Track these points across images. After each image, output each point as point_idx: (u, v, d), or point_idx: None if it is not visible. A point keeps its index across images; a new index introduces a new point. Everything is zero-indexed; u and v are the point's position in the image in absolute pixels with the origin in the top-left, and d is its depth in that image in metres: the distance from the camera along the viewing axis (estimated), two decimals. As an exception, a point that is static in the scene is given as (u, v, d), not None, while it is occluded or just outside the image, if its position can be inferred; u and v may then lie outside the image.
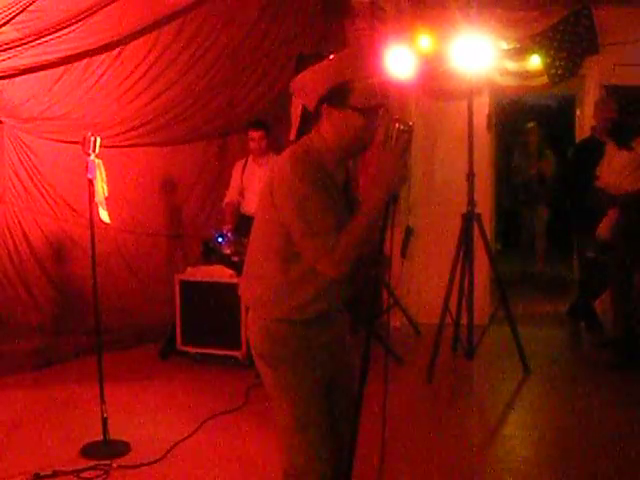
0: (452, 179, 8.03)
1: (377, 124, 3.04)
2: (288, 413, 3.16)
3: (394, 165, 2.95)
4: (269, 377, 3.20)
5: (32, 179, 7.42)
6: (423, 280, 8.48)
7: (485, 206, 7.63)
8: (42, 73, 7.00)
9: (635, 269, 7.01)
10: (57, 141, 7.45)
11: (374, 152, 3.03)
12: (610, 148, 7.06)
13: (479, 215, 7.06)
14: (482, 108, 8.22)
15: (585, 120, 8.54)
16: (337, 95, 3.00)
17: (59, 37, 6.69)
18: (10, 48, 6.51)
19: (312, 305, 3.11)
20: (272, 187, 3.03)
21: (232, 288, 6.96)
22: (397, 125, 2.94)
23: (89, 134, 5.15)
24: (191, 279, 7.22)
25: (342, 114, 3.02)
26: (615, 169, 6.93)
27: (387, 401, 3.28)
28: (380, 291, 7.54)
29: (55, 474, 4.73)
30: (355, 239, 2.94)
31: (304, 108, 7.40)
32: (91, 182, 5.15)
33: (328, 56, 3.16)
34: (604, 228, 7.00)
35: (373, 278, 3.22)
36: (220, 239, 7.29)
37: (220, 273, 7.10)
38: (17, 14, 6.21)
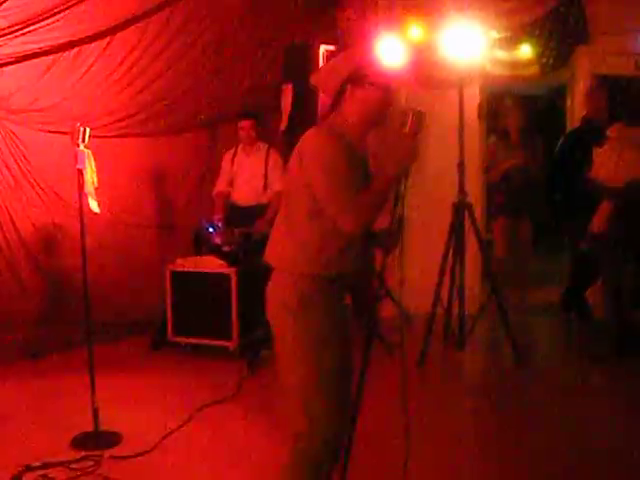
0: (443, 169, 8.00)
1: (391, 100, 3.55)
2: (310, 367, 3.42)
3: (408, 143, 3.41)
4: (294, 330, 3.45)
5: (21, 170, 7.37)
6: (414, 270, 8.44)
7: (476, 196, 7.63)
8: (30, 63, 6.96)
9: (627, 261, 7.02)
10: (47, 132, 7.41)
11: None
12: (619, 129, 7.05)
13: (470, 204, 7.06)
14: (473, 97, 8.22)
15: (576, 110, 8.53)
16: (357, 76, 3.49)
17: (47, 25, 6.65)
18: (-3, 36, 6.47)
19: (336, 262, 3.46)
20: (300, 155, 3.44)
21: (223, 278, 6.98)
22: (411, 111, 3.43)
23: (78, 125, 5.13)
24: (182, 269, 7.21)
25: (363, 90, 3.49)
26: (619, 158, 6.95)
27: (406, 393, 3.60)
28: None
29: (46, 465, 4.71)
30: (370, 201, 3.37)
31: (294, 98, 7.43)
32: (80, 172, 5.13)
33: (318, 46, 3.63)
34: (598, 221, 6.98)
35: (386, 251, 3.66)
36: (211, 229, 7.28)
37: (211, 263, 7.09)
38: (3, 2, 6.17)
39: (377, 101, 3.50)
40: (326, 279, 3.47)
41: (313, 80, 3.75)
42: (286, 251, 3.50)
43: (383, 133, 3.81)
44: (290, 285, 3.46)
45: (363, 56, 3.63)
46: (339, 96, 3.54)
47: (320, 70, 3.81)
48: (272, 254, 3.60)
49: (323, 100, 7.13)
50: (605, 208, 6.93)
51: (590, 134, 7.48)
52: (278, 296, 3.52)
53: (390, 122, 3.57)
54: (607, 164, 6.87)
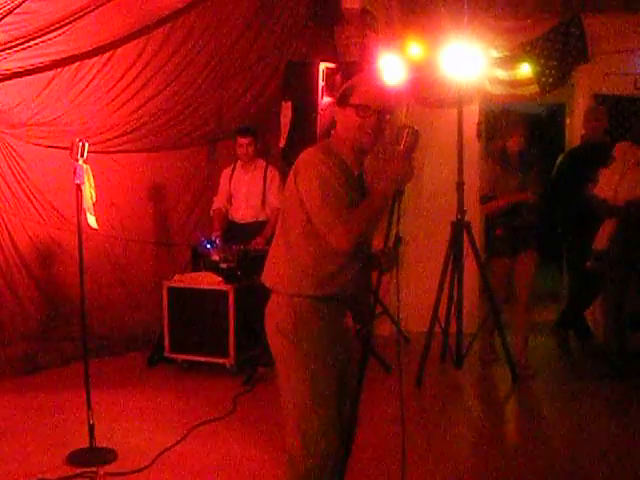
0: (442, 187, 8.03)
1: (375, 127, 3.46)
2: (305, 389, 3.41)
3: (401, 162, 3.39)
4: (289, 353, 3.45)
5: (20, 184, 7.36)
6: (412, 288, 8.45)
7: (475, 214, 7.62)
8: (31, 78, 6.95)
9: (630, 281, 7.01)
10: (46, 147, 7.40)
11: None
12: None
13: (469, 223, 7.05)
14: (472, 116, 8.23)
15: (575, 129, 8.54)
16: (343, 96, 3.51)
17: (48, 40, 6.65)
18: (-2, 51, 6.47)
19: (332, 282, 3.45)
20: (296, 172, 3.44)
21: (220, 295, 6.96)
22: (406, 129, 3.45)
23: (77, 139, 5.12)
24: (179, 286, 7.19)
25: (343, 112, 3.50)
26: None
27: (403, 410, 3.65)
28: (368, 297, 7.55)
29: (41, 482, 4.69)
30: (363, 218, 3.35)
31: (293, 115, 7.43)
32: (79, 187, 5.12)
33: (318, 64, 3.71)
34: (601, 239, 6.98)
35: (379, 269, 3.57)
36: (208, 246, 7.27)
37: (208, 280, 7.08)
38: (4, 16, 6.17)
39: (354, 126, 3.45)
40: (322, 300, 3.46)
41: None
42: (282, 271, 3.49)
43: (378, 150, 3.84)
44: (285, 307, 3.46)
45: (360, 77, 3.64)
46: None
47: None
48: (268, 275, 3.59)
49: (322, 117, 7.18)
50: (608, 226, 6.93)
51: (589, 153, 7.49)
52: (274, 318, 3.51)
53: (386, 140, 3.60)
54: (610, 183, 6.87)
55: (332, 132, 3.63)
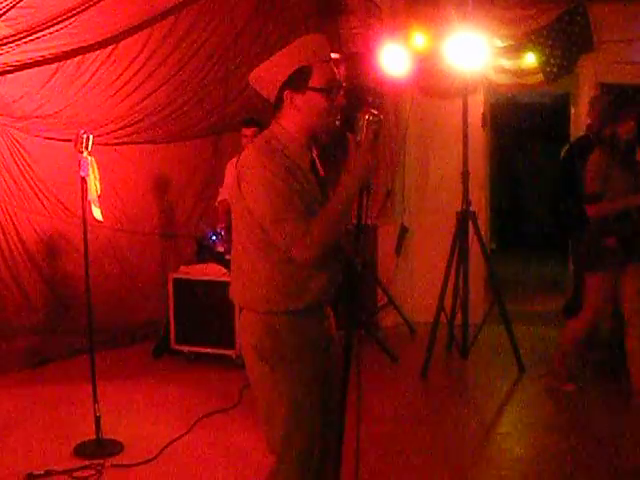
0: (447, 177, 8.02)
1: (341, 103, 3.10)
2: (284, 411, 3.13)
3: (362, 155, 3.02)
4: (265, 376, 3.14)
5: (25, 177, 7.37)
6: (418, 279, 8.46)
7: (480, 204, 7.61)
8: (35, 70, 6.94)
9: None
10: (50, 139, 7.41)
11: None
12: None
13: (474, 213, 7.05)
14: (477, 106, 8.21)
15: (580, 118, 8.52)
16: (298, 79, 3.04)
17: (51, 33, 6.64)
18: (2, 45, 6.46)
19: (304, 293, 3.10)
20: (239, 180, 3.08)
21: (226, 286, 6.88)
22: (366, 116, 3.01)
23: (82, 132, 5.12)
24: (184, 277, 7.20)
25: (304, 97, 3.05)
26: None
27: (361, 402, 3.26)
28: (373, 287, 7.56)
29: (48, 474, 4.71)
30: (327, 224, 2.99)
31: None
32: (84, 180, 5.12)
33: None
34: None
35: (355, 270, 3.20)
36: (214, 237, 7.27)
37: (214, 271, 7.08)
38: (8, 10, 6.16)
39: (321, 110, 3.06)
40: (300, 313, 3.12)
41: (249, 80, 3.21)
42: (250, 286, 3.14)
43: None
44: (261, 327, 3.12)
45: (309, 50, 3.09)
46: (278, 102, 3.11)
47: (256, 70, 3.18)
48: (236, 291, 3.25)
49: None
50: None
51: (593, 144, 7.45)
52: (248, 339, 3.18)
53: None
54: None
55: (273, 123, 3.15)
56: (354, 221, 3.13)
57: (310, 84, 3.03)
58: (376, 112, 3.06)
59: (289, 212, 2.95)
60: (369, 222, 2.83)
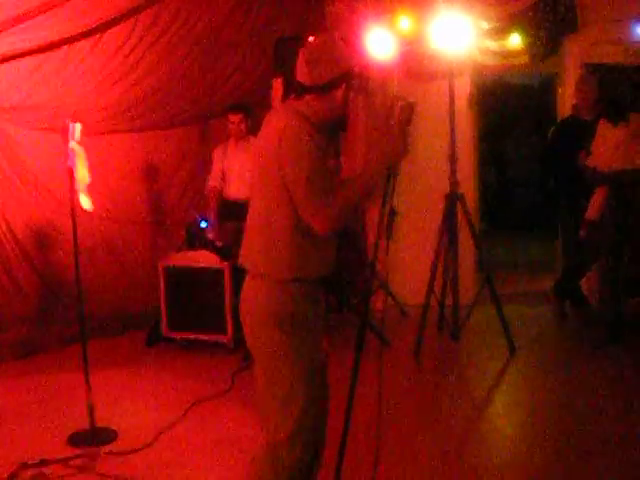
0: (435, 160, 8.02)
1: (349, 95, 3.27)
2: (287, 378, 3.24)
3: (394, 138, 3.25)
4: (274, 340, 3.26)
5: (13, 168, 7.36)
6: (408, 261, 8.47)
7: (468, 186, 7.63)
8: (21, 61, 6.94)
9: (624, 249, 7.03)
10: (38, 129, 7.40)
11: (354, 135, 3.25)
12: (603, 125, 6.99)
13: (462, 195, 7.07)
14: (464, 88, 8.23)
15: (566, 98, 8.53)
16: (350, 77, 3.25)
17: (38, 23, 6.63)
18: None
19: (317, 264, 3.27)
20: (277, 148, 3.15)
21: (216, 273, 6.98)
22: (400, 102, 3.29)
23: (69, 121, 5.12)
24: (175, 265, 7.21)
25: (328, 97, 3.23)
26: (610, 146, 6.85)
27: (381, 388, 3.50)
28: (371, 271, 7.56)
29: (42, 463, 4.72)
30: (349, 200, 3.18)
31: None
32: (71, 170, 5.12)
33: (307, 38, 3.35)
34: (593, 209, 6.99)
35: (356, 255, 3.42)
36: (203, 224, 7.28)
37: (204, 258, 7.09)
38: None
39: (341, 102, 3.24)
40: (316, 282, 3.30)
41: (306, 59, 3.24)
42: (267, 253, 3.25)
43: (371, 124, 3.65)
44: (276, 290, 3.24)
45: (359, 58, 3.42)
46: (324, 88, 3.22)
47: (320, 56, 3.22)
48: (249, 257, 3.39)
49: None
50: (599, 195, 6.95)
51: (581, 122, 7.49)
52: (265, 306, 3.29)
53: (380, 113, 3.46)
54: (617, 148, 6.83)
55: (300, 102, 3.29)
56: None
57: (355, 84, 3.27)
58: (412, 100, 3.32)
59: (322, 182, 3.11)
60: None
